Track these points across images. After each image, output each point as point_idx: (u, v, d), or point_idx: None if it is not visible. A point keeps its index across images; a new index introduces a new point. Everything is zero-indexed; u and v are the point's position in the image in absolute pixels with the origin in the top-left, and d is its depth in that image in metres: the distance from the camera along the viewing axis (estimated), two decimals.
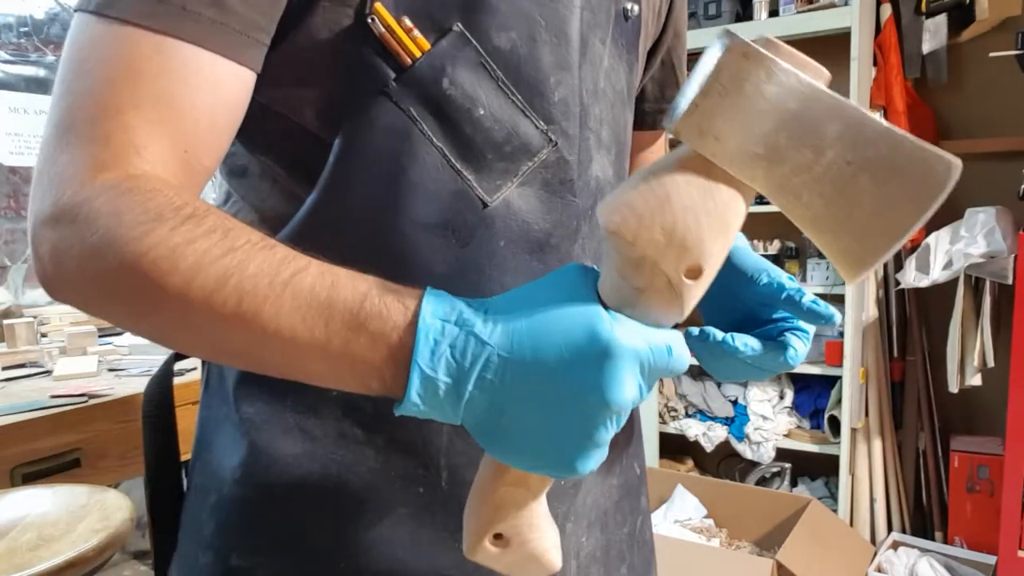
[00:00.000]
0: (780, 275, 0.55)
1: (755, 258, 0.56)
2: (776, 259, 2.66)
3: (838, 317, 0.54)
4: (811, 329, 0.54)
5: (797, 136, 0.38)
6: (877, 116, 0.39)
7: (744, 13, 2.55)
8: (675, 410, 2.86)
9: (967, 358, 2.14)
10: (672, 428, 2.82)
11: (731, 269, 0.56)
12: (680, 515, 2.48)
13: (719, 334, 0.51)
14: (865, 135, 0.38)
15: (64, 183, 0.42)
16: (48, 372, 1.85)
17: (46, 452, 1.48)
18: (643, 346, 0.37)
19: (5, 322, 2.05)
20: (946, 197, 0.38)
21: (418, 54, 0.49)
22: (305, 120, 0.51)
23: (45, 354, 1.98)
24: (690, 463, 2.96)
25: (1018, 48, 2.16)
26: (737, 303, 0.55)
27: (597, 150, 0.58)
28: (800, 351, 0.53)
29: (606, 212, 0.39)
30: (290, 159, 0.53)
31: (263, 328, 0.39)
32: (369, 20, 0.48)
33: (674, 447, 2.92)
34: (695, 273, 0.39)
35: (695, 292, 0.39)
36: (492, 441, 0.39)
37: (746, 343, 0.51)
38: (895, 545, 2.38)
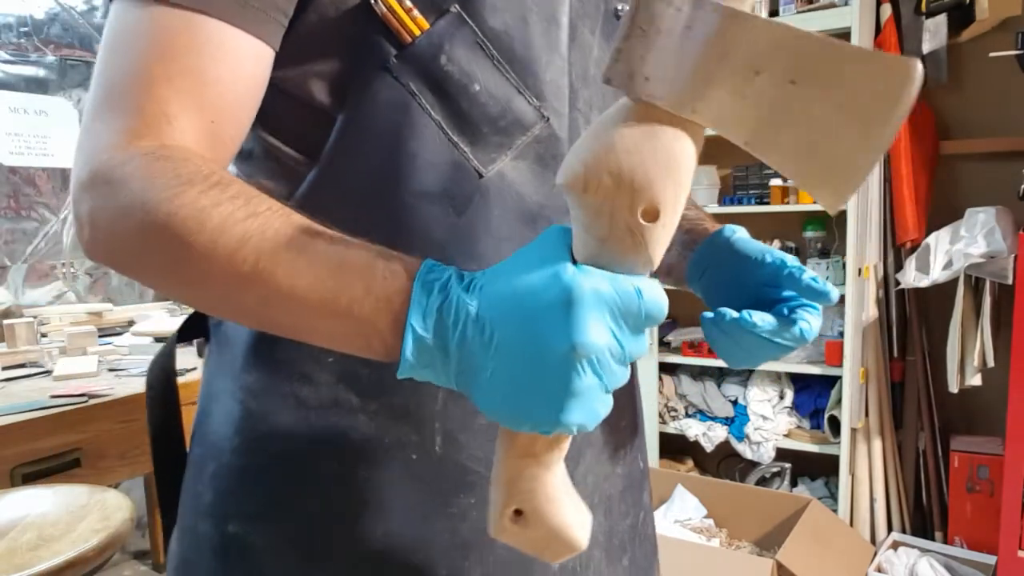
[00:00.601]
0: (782, 255, 0.57)
1: (756, 243, 0.58)
2: None
3: (835, 294, 0.55)
4: (818, 307, 0.55)
5: (726, 63, 0.38)
6: (812, 33, 0.38)
7: None
8: (675, 410, 2.86)
9: (967, 358, 2.14)
10: (672, 428, 2.82)
11: (735, 255, 0.58)
12: (680, 515, 2.48)
13: (733, 313, 0.52)
14: (803, 51, 0.37)
15: (100, 150, 0.45)
16: (48, 372, 1.85)
17: (46, 452, 1.48)
18: (607, 289, 0.38)
19: (5, 322, 2.05)
20: (911, 103, 0.36)
21: (417, 32, 0.52)
22: (312, 97, 0.53)
23: (45, 354, 1.98)
24: (690, 463, 2.96)
25: (1018, 48, 2.16)
26: (742, 289, 0.57)
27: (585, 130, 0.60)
28: (813, 324, 0.53)
29: (560, 171, 0.41)
30: (295, 137, 0.55)
31: (278, 287, 0.41)
32: (372, 0, 0.51)
33: (674, 447, 2.92)
34: (652, 215, 0.39)
35: (656, 235, 0.40)
36: (483, 400, 0.40)
37: (763, 319, 0.52)
38: (895, 545, 2.38)
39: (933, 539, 2.42)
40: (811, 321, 0.53)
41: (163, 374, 0.64)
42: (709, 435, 2.72)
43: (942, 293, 2.31)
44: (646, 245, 0.40)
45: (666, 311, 0.40)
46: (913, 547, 2.34)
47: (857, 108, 0.37)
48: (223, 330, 0.60)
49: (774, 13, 2.46)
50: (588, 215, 0.40)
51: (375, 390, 0.55)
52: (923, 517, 2.49)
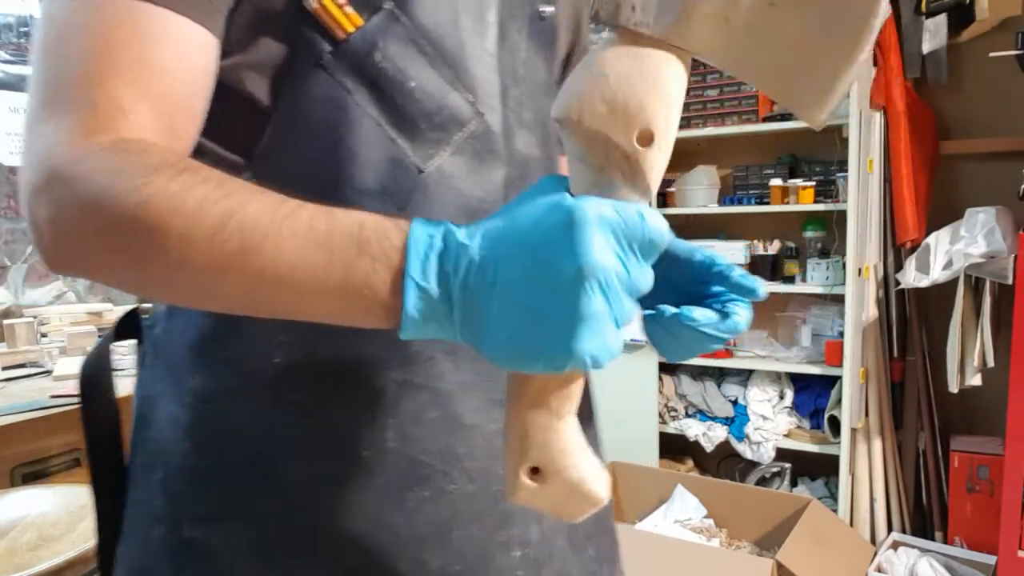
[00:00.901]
0: (710, 253, 0.59)
1: (684, 243, 0.59)
2: (776, 259, 2.66)
3: (763, 290, 0.58)
4: (747, 300, 0.58)
5: None
6: None
7: None
8: (675, 410, 2.86)
9: (967, 358, 2.14)
10: (672, 428, 2.82)
11: (665, 256, 0.58)
12: (680, 515, 2.47)
13: (672, 309, 0.54)
14: None
15: (54, 150, 0.43)
16: (48, 372, 1.85)
17: (46, 452, 1.48)
18: (608, 210, 0.38)
19: (5, 322, 2.05)
20: (880, 24, 0.40)
21: (351, 29, 0.52)
22: (247, 91, 0.53)
23: (45, 354, 1.98)
24: (690, 463, 2.96)
25: (1018, 48, 2.16)
26: (673, 288, 0.58)
27: (519, 127, 0.61)
28: (744, 317, 0.56)
29: (554, 106, 0.42)
30: (228, 134, 0.54)
31: (266, 263, 0.40)
32: None
33: (674, 447, 2.92)
34: (646, 139, 0.40)
35: (651, 157, 0.41)
36: (491, 345, 0.40)
37: (703, 314, 0.54)
38: (895, 545, 2.38)
39: (933, 539, 2.42)
40: (742, 314, 0.56)
41: (99, 376, 0.61)
42: (709, 435, 2.72)
43: (942, 293, 2.31)
44: (643, 171, 0.41)
45: (668, 237, 0.41)
46: (913, 547, 2.34)
47: (832, 24, 0.40)
48: (157, 334, 0.58)
49: None
50: (584, 145, 0.41)
51: (325, 387, 0.54)
52: (923, 517, 2.49)
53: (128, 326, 0.63)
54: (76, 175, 0.42)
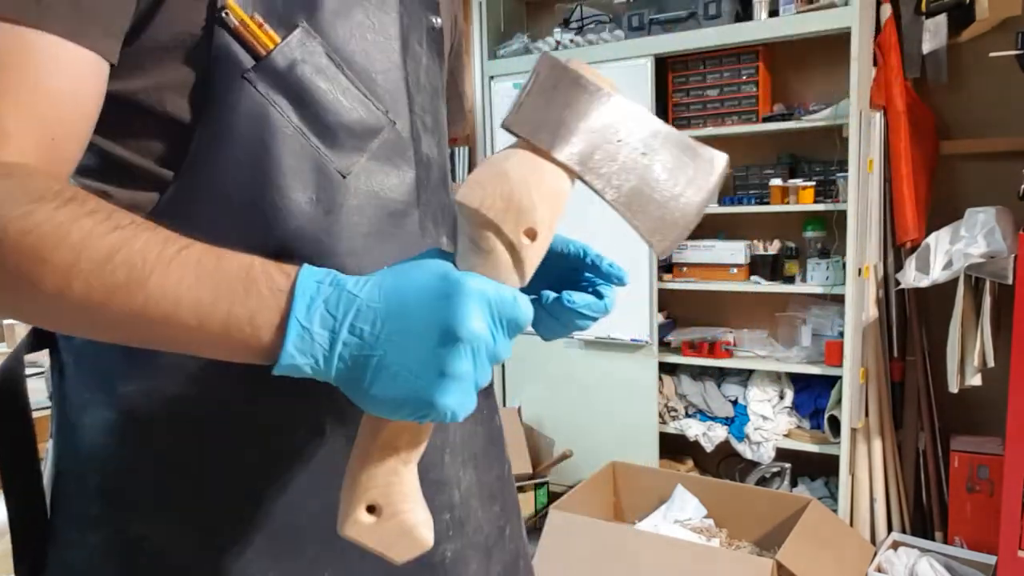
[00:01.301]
0: (582, 244, 0.66)
1: (560, 236, 0.64)
2: (776, 259, 2.66)
3: (627, 277, 0.66)
4: (613, 286, 0.65)
5: (598, 129, 0.50)
6: (659, 120, 0.52)
7: (744, 13, 2.55)
8: (675, 410, 2.86)
9: (967, 358, 2.14)
10: (672, 428, 2.82)
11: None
12: (680, 515, 2.47)
13: (554, 294, 0.62)
14: (652, 132, 0.51)
15: None
16: None
17: (46, 452, 1.47)
18: (488, 288, 0.44)
19: (5, 322, 2.05)
20: (719, 186, 0.52)
21: (271, 45, 0.55)
22: (167, 109, 0.55)
23: (45, 354, 1.98)
24: (690, 463, 2.96)
25: (1018, 48, 2.16)
26: (548, 275, 0.63)
27: (424, 131, 0.67)
28: (612, 299, 0.64)
29: (460, 190, 0.48)
30: (151, 149, 0.56)
31: (147, 299, 0.42)
32: (223, 15, 0.53)
33: (674, 447, 2.92)
34: (531, 235, 0.47)
35: (532, 252, 0.48)
36: (360, 390, 0.43)
37: (582, 298, 0.62)
38: (895, 545, 2.38)
39: (933, 539, 2.42)
40: (611, 296, 0.64)
41: (11, 386, 0.61)
42: (709, 435, 2.72)
43: (942, 293, 2.30)
44: (523, 260, 0.48)
45: (531, 320, 0.47)
46: (913, 547, 2.34)
47: (686, 179, 0.51)
48: (78, 344, 0.59)
49: (774, 13, 2.46)
50: (479, 229, 0.47)
51: (263, 377, 0.54)
52: (923, 517, 2.49)
53: (42, 336, 0.64)
54: None
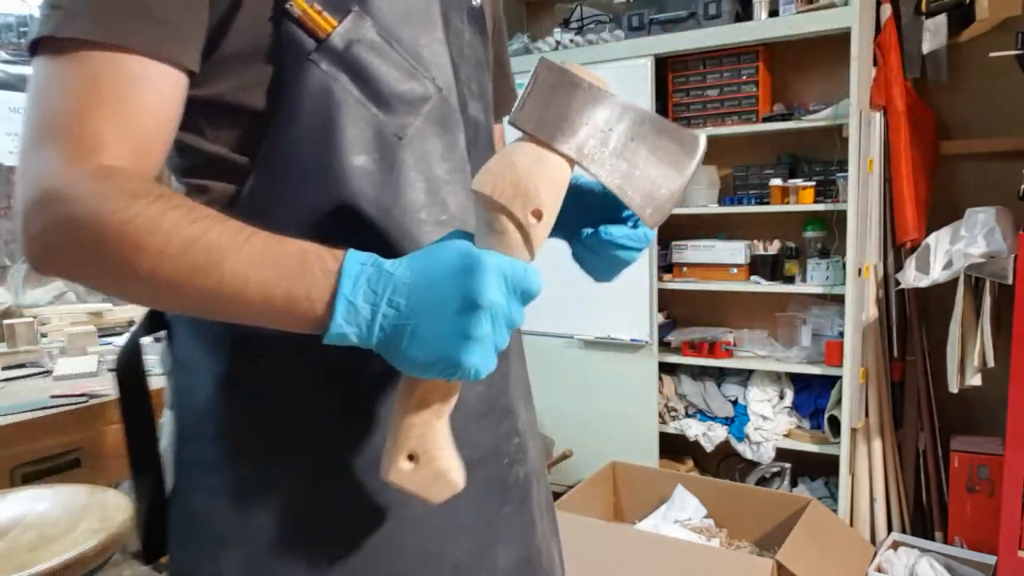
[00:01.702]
0: None
1: (592, 180, 0.71)
2: (776, 259, 2.66)
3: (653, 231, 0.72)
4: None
5: (591, 121, 0.57)
6: (644, 106, 0.59)
7: (744, 13, 2.55)
8: (675, 410, 2.86)
9: (967, 358, 2.14)
10: (672, 428, 2.82)
11: (580, 191, 0.73)
12: (680, 515, 2.48)
13: (589, 230, 0.71)
14: (638, 120, 0.58)
15: (46, 175, 0.52)
16: (48, 372, 1.85)
17: (46, 452, 1.48)
18: (504, 263, 0.52)
19: (5, 322, 2.05)
20: (699, 164, 0.59)
21: (329, 29, 0.63)
22: (248, 102, 0.63)
23: (45, 354, 1.98)
24: (690, 463, 2.96)
25: (1018, 48, 2.16)
26: (588, 217, 0.73)
27: (470, 97, 0.75)
28: (650, 231, 0.71)
29: (474, 180, 0.55)
30: (234, 142, 0.64)
31: (222, 279, 0.50)
32: (288, 6, 0.61)
33: (674, 447, 2.92)
34: (538, 216, 0.55)
35: (539, 231, 0.55)
36: (397, 354, 0.51)
37: (617, 228, 0.70)
38: (895, 545, 2.38)
39: (933, 539, 2.43)
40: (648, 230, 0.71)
41: (132, 367, 0.71)
42: (709, 435, 2.72)
43: (942, 293, 2.31)
44: (531, 239, 0.55)
45: (541, 290, 0.54)
46: (913, 547, 2.34)
47: (668, 160, 0.59)
48: (186, 319, 0.67)
49: (774, 13, 2.46)
50: (492, 213, 0.55)
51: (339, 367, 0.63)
52: (923, 517, 2.49)
53: (156, 319, 0.72)
54: (66, 196, 0.51)
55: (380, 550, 0.66)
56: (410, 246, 0.65)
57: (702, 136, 0.59)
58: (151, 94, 0.56)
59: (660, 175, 0.58)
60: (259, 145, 0.63)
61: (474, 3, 0.78)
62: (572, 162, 0.57)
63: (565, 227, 0.75)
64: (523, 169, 0.55)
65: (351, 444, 0.66)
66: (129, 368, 0.71)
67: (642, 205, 0.58)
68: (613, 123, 0.58)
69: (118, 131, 0.54)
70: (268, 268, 0.51)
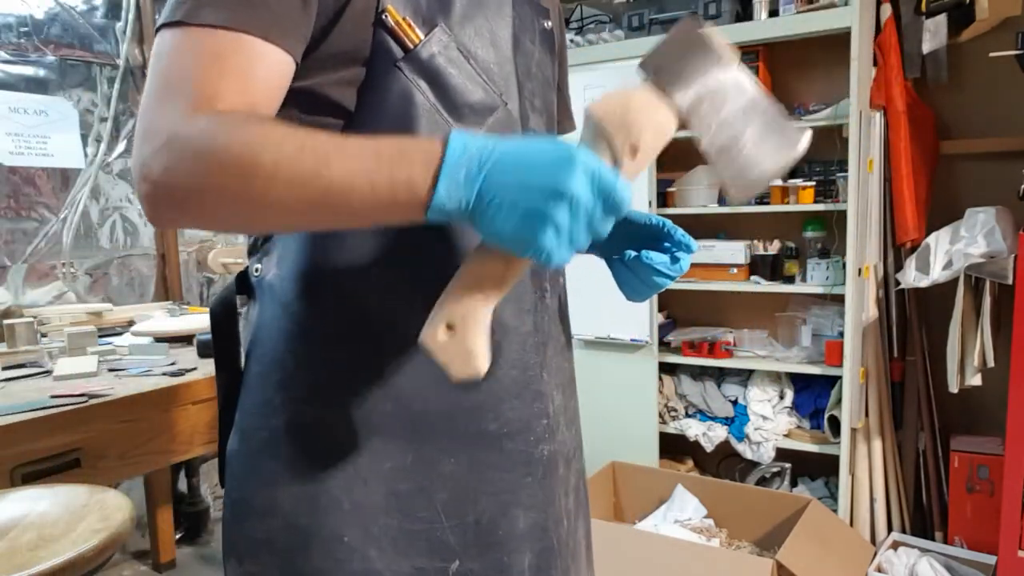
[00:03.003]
0: (661, 219, 0.85)
1: (640, 212, 0.84)
2: (776, 259, 2.66)
3: (696, 245, 0.82)
4: (687, 252, 0.82)
5: (710, 84, 0.61)
6: (764, 91, 0.63)
7: (744, 13, 2.55)
8: (675, 410, 2.86)
9: (967, 358, 2.14)
10: (672, 428, 2.82)
11: (628, 222, 0.85)
12: (680, 515, 2.48)
13: (633, 252, 0.80)
14: (754, 101, 0.62)
15: (168, 122, 0.60)
16: (48, 372, 1.85)
17: (46, 452, 1.48)
18: (595, 163, 0.55)
19: (5, 322, 2.05)
20: (801, 155, 0.61)
21: (417, 40, 0.71)
22: (335, 98, 0.71)
23: (45, 354, 1.98)
24: (690, 463, 2.96)
25: (1018, 48, 2.16)
26: (633, 241, 0.84)
27: (532, 112, 0.83)
28: (685, 262, 0.81)
29: (592, 102, 0.60)
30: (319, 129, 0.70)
31: (331, 175, 0.56)
32: (383, 17, 0.70)
33: (674, 447, 2.92)
34: (633, 152, 0.59)
35: (631, 167, 0.60)
36: (487, 222, 0.55)
37: (657, 256, 0.80)
38: (895, 545, 2.38)
39: (933, 539, 2.43)
40: (684, 260, 0.81)
41: (225, 308, 0.82)
42: (709, 435, 2.72)
43: (942, 293, 2.31)
44: (622, 171, 0.59)
45: (628, 203, 0.56)
46: (913, 547, 2.34)
47: (771, 145, 0.61)
48: (269, 280, 0.77)
49: (774, 13, 2.46)
50: (594, 135, 0.59)
51: (405, 301, 0.72)
52: (923, 517, 2.49)
53: (240, 282, 0.82)
54: (189, 135, 0.58)
55: (413, 498, 0.75)
56: (466, 244, 0.72)
57: (808, 133, 0.62)
58: (264, 68, 0.64)
59: (758, 157, 0.61)
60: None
61: (546, 26, 0.88)
62: (682, 118, 0.61)
63: (609, 247, 0.86)
64: (635, 107, 0.59)
65: (403, 407, 0.74)
66: (223, 308, 0.81)
67: (730, 181, 0.62)
68: (731, 94, 0.61)
69: (235, 92, 0.62)
70: (368, 160, 0.56)
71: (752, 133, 0.61)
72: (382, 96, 0.71)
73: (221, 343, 0.82)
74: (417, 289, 0.71)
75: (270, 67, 0.65)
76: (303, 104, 0.71)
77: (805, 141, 0.62)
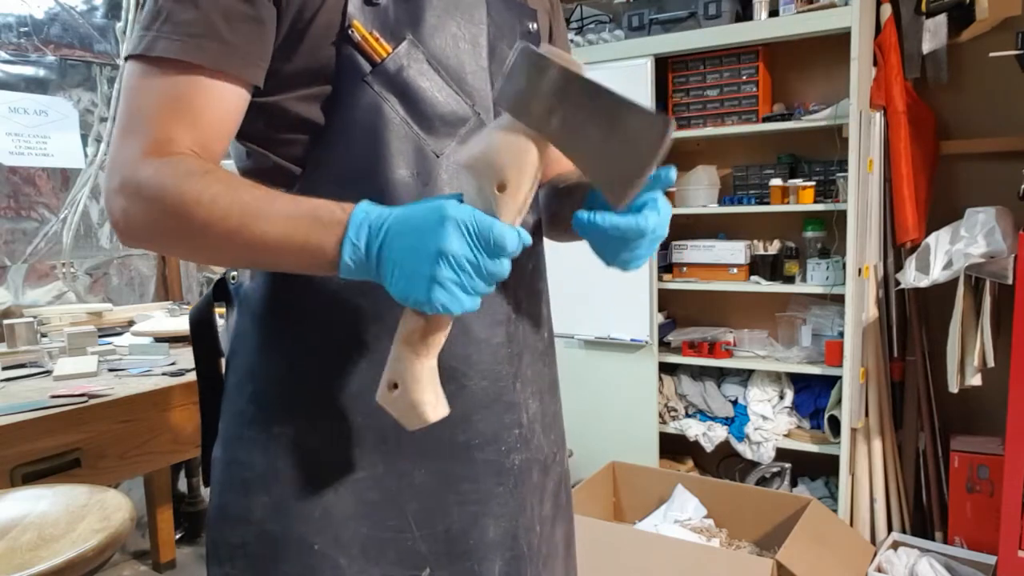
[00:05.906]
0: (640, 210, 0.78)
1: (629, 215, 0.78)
2: (776, 259, 2.66)
3: (673, 174, 0.70)
4: (664, 203, 0.72)
5: (556, 101, 0.61)
6: (607, 86, 0.61)
7: (744, 13, 2.55)
8: (675, 410, 2.86)
9: (967, 358, 2.14)
10: (672, 428, 2.82)
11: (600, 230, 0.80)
12: (680, 515, 2.48)
13: (584, 214, 0.71)
14: (607, 102, 0.60)
15: (124, 164, 0.65)
16: (48, 372, 1.85)
17: (46, 452, 1.48)
18: (467, 217, 0.58)
19: (5, 322, 2.05)
20: (669, 144, 0.59)
21: (384, 54, 0.72)
22: (304, 114, 0.72)
23: (45, 354, 1.98)
24: (690, 463, 2.96)
25: (1018, 48, 2.15)
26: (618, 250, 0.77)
27: None
28: (651, 220, 0.70)
29: (459, 155, 0.66)
30: (287, 145, 0.74)
31: (253, 235, 0.62)
32: (349, 32, 0.71)
33: (674, 447, 2.92)
34: (502, 188, 0.61)
35: (505, 202, 0.62)
36: (388, 284, 0.60)
37: (603, 216, 0.70)
38: (895, 545, 2.38)
39: (933, 539, 2.43)
40: (649, 217, 0.70)
41: (201, 315, 0.84)
42: (709, 435, 2.72)
43: (942, 293, 2.31)
44: (498, 206, 0.61)
45: (513, 244, 0.60)
46: (913, 547, 2.34)
47: (633, 142, 0.61)
48: (244, 290, 0.80)
49: (774, 13, 2.46)
50: (469, 183, 0.63)
51: (371, 315, 0.74)
52: (923, 517, 2.49)
53: (220, 288, 0.85)
54: (140, 181, 0.64)
55: (383, 507, 0.76)
56: None
57: (669, 121, 0.60)
58: (215, 105, 0.67)
59: (624, 156, 0.61)
60: (307, 154, 0.73)
61: (531, 28, 0.86)
62: (540, 140, 0.62)
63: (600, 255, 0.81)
64: (494, 146, 0.62)
65: (373, 420, 0.74)
66: (202, 319, 0.84)
67: (603, 183, 0.63)
68: (580, 104, 0.61)
69: (186, 130, 0.66)
70: (289, 222, 0.62)
71: (610, 135, 0.61)
72: (351, 111, 0.72)
73: (199, 351, 0.84)
74: (381, 304, 0.71)
75: (221, 101, 0.68)
76: (271, 119, 0.73)
77: (667, 127, 0.59)
